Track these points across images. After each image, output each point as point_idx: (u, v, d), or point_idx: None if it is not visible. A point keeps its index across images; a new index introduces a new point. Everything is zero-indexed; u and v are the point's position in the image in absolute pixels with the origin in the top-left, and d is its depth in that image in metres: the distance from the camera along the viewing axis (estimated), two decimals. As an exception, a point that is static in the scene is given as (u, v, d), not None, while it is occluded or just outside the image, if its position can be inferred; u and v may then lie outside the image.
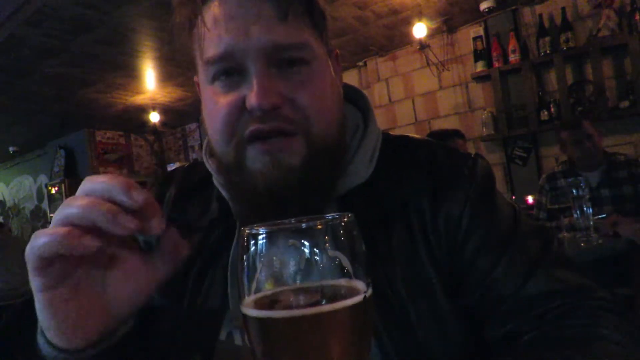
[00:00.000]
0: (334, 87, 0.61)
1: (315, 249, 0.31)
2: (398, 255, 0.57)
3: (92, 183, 0.41)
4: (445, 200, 0.59)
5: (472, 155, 0.65)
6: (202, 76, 0.60)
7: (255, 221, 0.58)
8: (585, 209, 2.19)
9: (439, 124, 4.40)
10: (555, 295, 0.54)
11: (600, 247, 2.08)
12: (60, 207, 0.41)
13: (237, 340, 0.58)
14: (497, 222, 0.59)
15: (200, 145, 6.51)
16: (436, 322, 0.55)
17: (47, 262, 0.39)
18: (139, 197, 0.40)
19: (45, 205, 6.98)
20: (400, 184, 0.61)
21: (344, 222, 0.32)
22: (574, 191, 2.20)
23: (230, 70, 0.55)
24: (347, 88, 0.68)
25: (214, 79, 0.57)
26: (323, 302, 0.31)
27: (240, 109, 0.54)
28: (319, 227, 0.32)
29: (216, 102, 0.56)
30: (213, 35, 0.54)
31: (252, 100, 0.52)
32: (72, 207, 0.40)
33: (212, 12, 0.55)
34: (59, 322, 0.42)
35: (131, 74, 4.39)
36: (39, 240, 0.39)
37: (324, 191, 0.58)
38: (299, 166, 0.54)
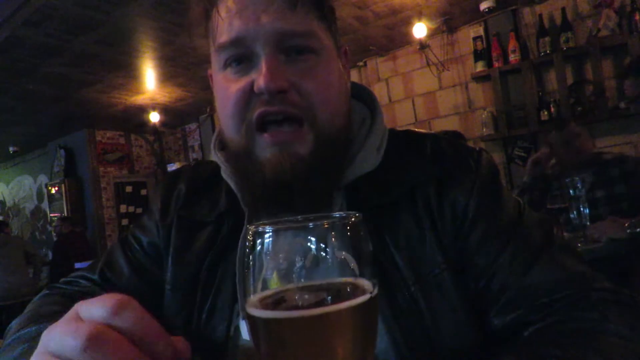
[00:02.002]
0: (341, 79, 0.62)
1: (321, 248, 0.31)
2: (406, 242, 0.58)
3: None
4: (452, 188, 0.60)
5: (477, 149, 0.67)
6: (214, 65, 0.62)
7: (263, 210, 0.59)
8: (582, 209, 2.19)
9: (439, 124, 4.41)
10: (559, 285, 0.54)
11: (599, 248, 2.08)
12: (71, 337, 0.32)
13: (244, 332, 0.59)
14: (501, 212, 0.61)
15: (200, 146, 6.51)
16: (444, 308, 0.56)
17: None
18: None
19: (45, 205, 6.98)
20: (407, 172, 0.62)
21: (351, 221, 0.32)
22: (571, 191, 2.21)
23: (240, 57, 0.57)
24: (355, 86, 0.71)
25: (226, 65, 0.59)
26: (329, 302, 0.30)
27: (249, 93, 0.56)
28: (326, 225, 0.32)
29: (227, 88, 0.59)
30: (225, 24, 0.57)
31: (260, 82, 0.54)
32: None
33: (226, 3, 0.58)
34: None
35: (131, 74, 4.39)
36: None
37: (331, 180, 0.59)
38: (307, 156, 0.56)
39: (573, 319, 0.52)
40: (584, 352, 0.46)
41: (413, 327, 0.54)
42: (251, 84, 0.56)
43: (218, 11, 0.58)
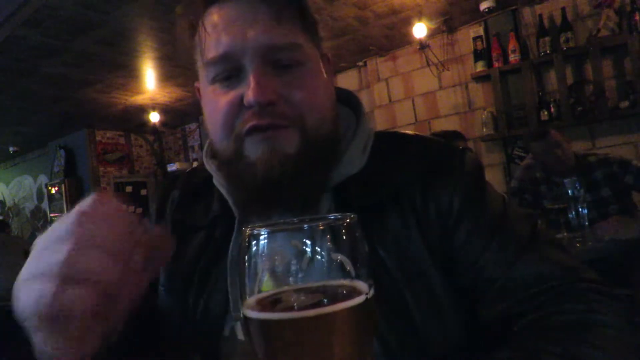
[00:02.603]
0: (327, 86, 0.64)
1: (317, 250, 0.31)
2: (393, 242, 0.59)
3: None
4: (436, 188, 0.61)
5: (461, 148, 0.68)
6: (202, 79, 0.63)
7: (254, 211, 0.60)
8: (580, 209, 2.20)
9: (439, 124, 4.40)
10: (547, 276, 0.55)
11: (599, 248, 2.09)
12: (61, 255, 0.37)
13: (240, 334, 0.60)
14: (487, 208, 0.61)
15: (200, 146, 6.51)
16: (433, 305, 0.57)
17: None
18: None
19: (45, 205, 6.98)
20: (392, 173, 0.63)
21: (346, 222, 0.32)
22: (569, 192, 2.22)
23: (229, 71, 0.59)
24: (341, 91, 0.72)
25: (214, 80, 0.60)
26: (325, 304, 0.30)
27: (238, 106, 0.58)
28: (321, 227, 0.32)
29: (216, 102, 0.60)
30: (213, 39, 0.58)
31: (250, 96, 0.55)
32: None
33: (212, 18, 0.59)
34: (56, 350, 0.41)
35: (131, 74, 4.38)
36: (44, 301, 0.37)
37: (319, 181, 0.61)
38: (294, 154, 0.57)
39: (561, 310, 0.52)
40: (579, 346, 0.46)
41: (404, 327, 0.55)
42: (240, 97, 0.57)
43: (204, 26, 0.59)
